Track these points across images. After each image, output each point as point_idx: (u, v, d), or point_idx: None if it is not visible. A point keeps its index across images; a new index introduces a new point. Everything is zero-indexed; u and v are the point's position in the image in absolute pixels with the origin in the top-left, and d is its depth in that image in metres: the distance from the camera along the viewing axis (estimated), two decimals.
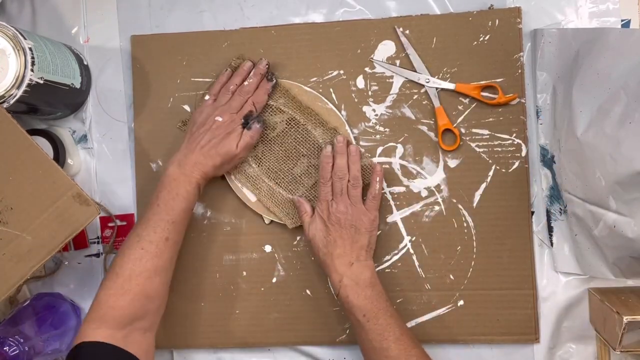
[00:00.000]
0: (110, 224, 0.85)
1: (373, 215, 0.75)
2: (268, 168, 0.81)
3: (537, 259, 0.79)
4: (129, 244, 0.71)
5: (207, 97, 0.80)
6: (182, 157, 0.76)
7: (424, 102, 0.80)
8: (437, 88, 0.80)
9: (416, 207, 0.80)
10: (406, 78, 0.80)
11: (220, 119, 0.77)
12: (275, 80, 0.80)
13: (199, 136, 0.76)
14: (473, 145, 0.79)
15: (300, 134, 0.80)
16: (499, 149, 0.79)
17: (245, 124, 0.78)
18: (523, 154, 0.79)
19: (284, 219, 0.80)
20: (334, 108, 0.81)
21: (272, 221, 0.81)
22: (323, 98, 0.81)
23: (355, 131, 0.81)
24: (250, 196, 0.82)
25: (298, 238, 0.81)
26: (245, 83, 0.79)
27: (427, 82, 0.80)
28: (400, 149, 0.81)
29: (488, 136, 0.79)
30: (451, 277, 0.79)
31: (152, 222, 0.72)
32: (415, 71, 0.80)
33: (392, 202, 0.81)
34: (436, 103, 0.79)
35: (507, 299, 0.78)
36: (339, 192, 0.75)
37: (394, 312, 0.72)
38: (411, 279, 0.80)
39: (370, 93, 0.81)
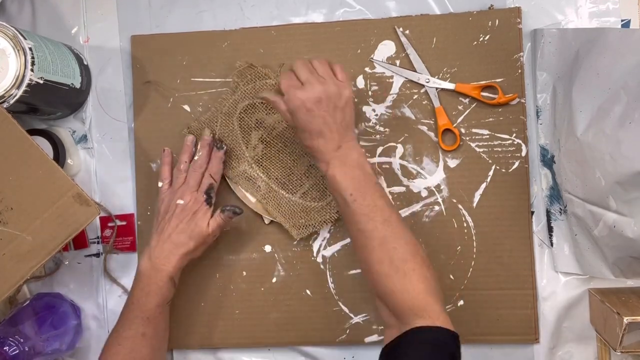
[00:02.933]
0: (110, 224, 0.85)
1: (349, 89, 0.70)
2: (267, 168, 0.81)
3: (537, 259, 0.79)
4: (108, 340, 0.74)
5: (160, 184, 0.79)
6: (152, 250, 0.74)
7: (424, 102, 0.80)
8: (437, 88, 0.80)
9: (416, 207, 0.80)
10: (406, 78, 0.80)
11: (181, 201, 0.75)
12: (225, 147, 0.79)
13: (165, 224, 0.75)
14: (473, 145, 0.79)
15: None
16: (499, 149, 0.79)
17: (209, 199, 0.76)
18: (523, 154, 0.79)
19: (290, 230, 0.80)
20: None
21: (272, 221, 0.81)
22: None
23: (355, 131, 0.81)
24: (250, 196, 0.82)
25: (298, 238, 0.81)
26: (196, 157, 0.78)
27: (427, 82, 0.80)
28: (400, 149, 0.81)
29: (488, 136, 0.79)
30: (451, 277, 0.79)
31: (127, 319, 0.73)
32: (415, 71, 0.80)
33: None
34: (436, 103, 0.79)
35: (507, 299, 0.78)
36: (306, 77, 0.69)
37: (384, 195, 0.69)
38: None
39: (370, 93, 0.81)
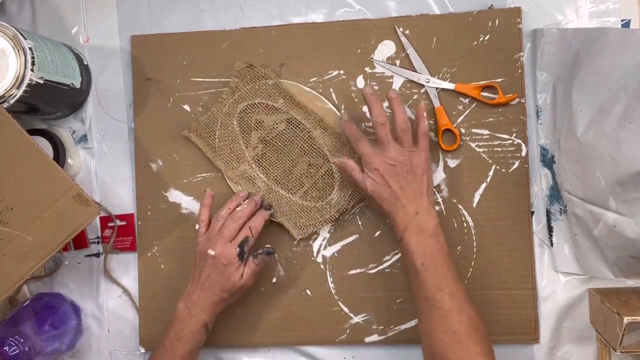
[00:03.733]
0: (110, 224, 0.85)
1: (427, 154, 0.73)
2: (267, 168, 0.81)
3: (537, 259, 0.79)
4: None
5: (197, 227, 0.78)
6: (189, 296, 0.75)
7: (424, 102, 0.80)
8: (437, 88, 0.80)
9: None
10: (406, 78, 0.80)
11: (213, 252, 0.74)
12: (272, 211, 0.79)
13: (199, 272, 0.75)
14: (473, 145, 0.79)
15: (299, 133, 0.80)
16: (499, 149, 0.79)
17: (241, 254, 0.74)
18: (523, 154, 0.79)
19: (292, 230, 0.80)
20: (334, 108, 0.81)
21: (272, 221, 0.81)
22: (323, 98, 0.81)
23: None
24: None
25: (299, 238, 0.81)
26: (238, 208, 0.77)
27: (427, 82, 0.80)
28: None
29: (488, 136, 0.79)
30: None
31: None
32: (415, 71, 0.80)
33: None
34: (436, 103, 0.79)
35: (507, 299, 0.78)
36: (385, 140, 0.72)
37: (453, 267, 0.70)
38: None
39: None
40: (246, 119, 0.81)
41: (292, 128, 0.80)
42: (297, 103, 0.80)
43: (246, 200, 0.78)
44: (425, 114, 0.74)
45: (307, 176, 0.80)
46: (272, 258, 0.77)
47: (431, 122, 0.80)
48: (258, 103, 0.81)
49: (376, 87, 0.81)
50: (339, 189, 0.79)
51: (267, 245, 0.78)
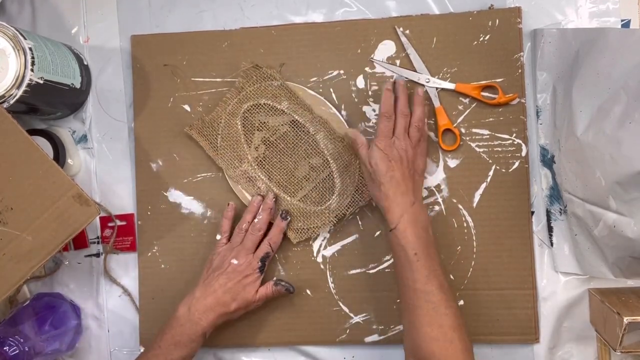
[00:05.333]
0: (110, 224, 0.85)
1: (425, 158, 0.77)
2: (269, 169, 0.81)
3: (537, 259, 0.79)
4: None
5: (218, 237, 0.80)
6: (194, 301, 0.75)
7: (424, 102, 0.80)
8: (437, 88, 0.80)
9: None
10: (406, 78, 0.80)
11: (235, 261, 0.76)
12: (289, 219, 0.79)
13: (213, 280, 0.76)
14: (473, 145, 0.79)
15: (302, 136, 0.80)
16: (499, 149, 0.79)
17: (262, 267, 0.77)
18: (523, 154, 0.79)
19: (288, 234, 0.81)
20: (337, 113, 0.81)
21: (270, 223, 0.81)
22: (327, 102, 0.81)
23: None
24: (248, 196, 0.82)
25: (295, 242, 0.81)
26: (256, 220, 0.79)
27: (427, 82, 0.80)
28: None
29: (488, 136, 0.79)
30: (451, 277, 0.79)
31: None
32: (416, 71, 0.80)
33: None
34: (436, 103, 0.79)
35: (507, 299, 0.78)
36: (402, 129, 0.74)
37: (441, 263, 0.71)
38: None
39: (370, 93, 0.81)
40: (250, 119, 0.81)
41: (295, 130, 0.80)
42: (301, 106, 0.80)
43: (260, 209, 0.79)
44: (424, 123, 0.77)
45: (307, 180, 0.80)
46: (290, 292, 0.79)
47: (431, 122, 0.80)
48: (263, 104, 0.81)
49: (376, 88, 0.81)
50: (339, 194, 0.79)
51: (291, 283, 0.79)
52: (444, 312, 0.67)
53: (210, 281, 0.76)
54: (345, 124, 0.81)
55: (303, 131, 0.80)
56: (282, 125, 0.81)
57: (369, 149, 0.74)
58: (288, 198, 0.80)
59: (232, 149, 0.81)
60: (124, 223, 0.85)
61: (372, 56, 0.81)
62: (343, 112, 0.81)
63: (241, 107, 0.81)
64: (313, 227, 0.80)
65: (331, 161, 0.79)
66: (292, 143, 0.81)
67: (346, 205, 0.79)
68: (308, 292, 0.82)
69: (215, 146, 0.82)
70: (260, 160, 0.81)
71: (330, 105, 0.81)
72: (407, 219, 0.70)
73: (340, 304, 0.81)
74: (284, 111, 0.80)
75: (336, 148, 0.80)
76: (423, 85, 0.80)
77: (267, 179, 0.81)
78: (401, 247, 0.70)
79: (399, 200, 0.71)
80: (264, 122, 0.81)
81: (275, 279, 0.79)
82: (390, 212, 0.72)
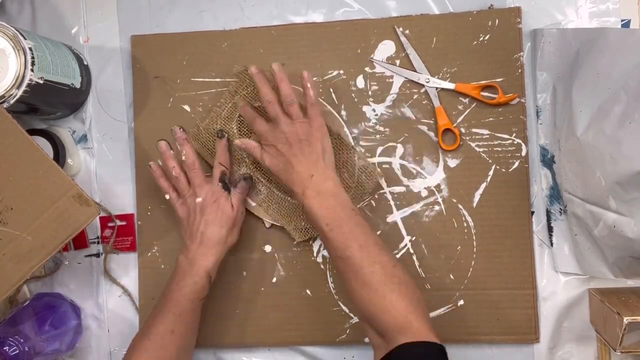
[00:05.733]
0: (110, 224, 0.85)
1: (318, 122, 0.74)
2: (268, 171, 0.80)
3: (537, 259, 0.79)
4: (137, 334, 0.73)
5: (167, 196, 0.78)
6: (188, 248, 0.75)
7: (424, 102, 0.80)
8: (437, 88, 0.80)
9: (416, 207, 0.80)
10: (406, 78, 0.80)
11: (199, 199, 0.76)
12: (225, 135, 0.79)
13: (193, 226, 0.75)
14: (473, 145, 0.79)
15: None
16: (499, 149, 0.79)
17: (225, 185, 0.77)
18: (523, 153, 0.79)
19: (292, 233, 0.80)
20: (333, 111, 0.81)
21: (272, 224, 0.81)
22: (321, 100, 0.81)
23: (355, 131, 0.81)
24: (250, 200, 0.81)
25: (298, 240, 0.81)
26: (183, 158, 0.78)
27: (427, 82, 0.80)
28: (400, 149, 0.81)
29: (488, 136, 0.79)
30: (451, 277, 0.79)
31: (159, 313, 0.73)
32: (415, 71, 0.80)
33: (392, 202, 0.81)
34: (436, 103, 0.79)
35: (507, 299, 0.78)
36: (276, 116, 0.74)
37: (361, 221, 0.70)
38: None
39: (370, 93, 0.81)
40: (245, 123, 0.81)
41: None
42: None
43: (179, 145, 0.78)
44: (309, 84, 0.74)
45: None
46: (250, 183, 0.78)
47: (431, 121, 0.80)
48: (258, 107, 0.80)
49: (376, 88, 0.81)
50: (340, 175, 0.78)
51: (241, 172, 0.79)
52: (370, 271, 0.66)
53: (191, 230, 0.75)
54: (341, 119, 0.80)
55: None
56: None
57: (261, 149, 0.75)
58: (289, 198, 0.80)
59: (230, 153, 0.81)
60: (124, 223, 0.85)
61: (372, 56, 0.81)
62: (343, 112, 0.81)
63: (236, 111, 0.81)
64: None
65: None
66: None
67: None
68: (308, 292, 0.82)
69: (212, 152, 0.81)
70: (258, 162, 0.80)
71: (325, 104, 0.81)
72: (309, 193, 0.70)
73: (340, 304, 0.81)
74: None
75: (333, 145, 0.79)
76: (423, 85, 0.80)
77: (267, 181, 0.81)
78: (313, 222, 0.71)
79: (294, 179, 0.72)
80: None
81: (231, 184, 0.78)
82: (294, 194, 0.73)
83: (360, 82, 0.82)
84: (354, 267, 0.67)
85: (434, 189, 0.80)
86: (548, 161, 0.79)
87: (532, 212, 0.79)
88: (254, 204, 0.81)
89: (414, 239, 0.80)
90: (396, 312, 0.64)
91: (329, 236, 0.69)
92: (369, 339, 0.68)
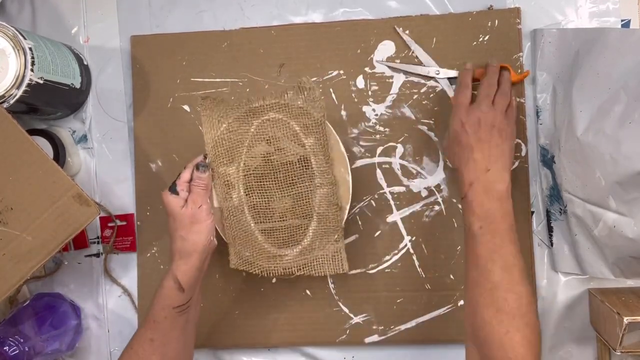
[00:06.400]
0: (110, 224, 0.85)
1: (512, 123, 0.71)
2: (250, 187, 0.73)
3: (537, 259, 0.79)
4: (130, 341, 0.70)
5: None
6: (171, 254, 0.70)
7: (424, 102, 0.80)
8: (449, 78, 0.79)
9: (416, 207, 0.80)
10: (415, 73, 0.80)
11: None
12: (207, 164, 0.71)
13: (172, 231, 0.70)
14: None
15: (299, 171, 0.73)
16: None
17: (171, 188, 0.69)
18: (523, 153, 0.79)
19: (231, 256, 0.75)
20: (330, 126, 0.73)
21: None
22: (340, 144, 0.73)
23: (355, 131, 0.81)
24: (215, 201, 0.74)
25: (232, 267, 0.76)
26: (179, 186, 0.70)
27: (438, 74, 0.80)
28: (400, 149, 0.81)
29: None
30: (451, 277, 0.79)
31: (143, 322, 0.70)
32: (424, 66, 0.80)
33: (392, 202, 0.81)
34: (451, 93, 0.79)
35: None
36: (485, 94, 0.71)
37: (515, 239, 0.64)
38: (411, 279, 0.80)
39: (370, 93, 0.81)
40: (262, 129, 0.72)
41: (300, 166, 0.72)
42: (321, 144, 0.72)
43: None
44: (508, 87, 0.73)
45: (281, 218, 0.73)
46: (205, 172, 0.70)
47: (431, 121, 0.80)
48: (291, 125, 0.72)
49: (376, 88, 0.81)
50: (302, 251, 0.73)
51: (199, 162, 0.71)
52: (503, 296, 0.61)
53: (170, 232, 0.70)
54: (336, 135, 0.73)
55: (305, 167, 0.72)
56: (293, 155, 0.72)
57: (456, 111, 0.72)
58: (253, 224, 0.74)
59: (231, 142, 0.73)
60: (124, 223, 0.85)
61: (372, 56, 0.81)
62: (343, 112, 0.81)
63: (267, 114, 0.72)
64: (258, 265, 0.73)
65: (313, 221, 0.73)
66: (294, 175, 0.72)
67: (301, 265, 0.73)
68: (308, 292, 0.82)
69: (216, 131, 0.73)
70: (248, 171, 0.72)
71: (327, 123, 0.72)
72: (477, 187, 0.66)
73: (340, 305, 0.81)
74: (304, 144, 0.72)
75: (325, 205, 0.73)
76: (424, 85, 0.80)
77: (244, 194, 0.73)
78: (467, 218, 0.66)
79: (470, 166, 0.67)
80: (276, 139, 0.72)
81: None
82: (461, 180, 0.69)
83: (360, 82, 0.82)
84: (489, 284, 0.62)
85: (434, 189, 0.80)
86: (548, 161, 0.79)
87: (532, 212, 0.79)
88: (216, 205, 0.74)
89: (414, 239, 0.80)
90: (513, 355, 0.59)
91: (477, 240, 0.64)
92: (466, 353, 0.64)
